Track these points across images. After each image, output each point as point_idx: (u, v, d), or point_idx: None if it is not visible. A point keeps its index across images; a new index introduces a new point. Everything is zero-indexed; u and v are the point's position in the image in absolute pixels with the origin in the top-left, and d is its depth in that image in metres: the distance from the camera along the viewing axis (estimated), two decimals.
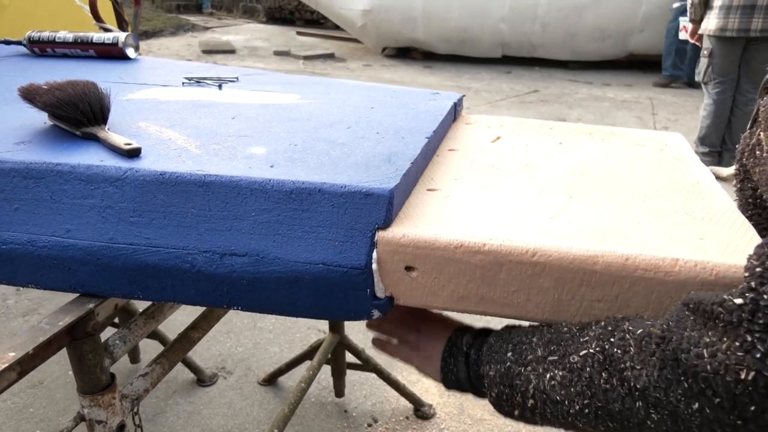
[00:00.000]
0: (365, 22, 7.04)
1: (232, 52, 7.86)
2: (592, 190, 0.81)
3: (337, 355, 1.90)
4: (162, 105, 1.10)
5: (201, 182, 0.76)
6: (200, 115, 1.04)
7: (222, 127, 0.96)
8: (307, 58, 7.42)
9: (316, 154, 0.84)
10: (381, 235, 0.70)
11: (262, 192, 0.74)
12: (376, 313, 0.73)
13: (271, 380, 2.07)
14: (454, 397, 1.99)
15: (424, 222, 0.72)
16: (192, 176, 0.76)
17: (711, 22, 3.39)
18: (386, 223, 0.71)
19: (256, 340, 2.28)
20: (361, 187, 0.72)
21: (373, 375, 1.96)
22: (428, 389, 2.03)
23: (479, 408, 1.94)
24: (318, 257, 0.71)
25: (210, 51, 7.80)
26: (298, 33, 9.68)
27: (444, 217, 0.74)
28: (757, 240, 0.66)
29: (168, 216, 0.76)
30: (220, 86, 1.28)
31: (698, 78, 3.56)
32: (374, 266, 0.70)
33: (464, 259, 0.67)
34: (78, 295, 0.81)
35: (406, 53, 7.58)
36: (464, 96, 1.24)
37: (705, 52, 3.46)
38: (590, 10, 6.37)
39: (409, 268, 0.71)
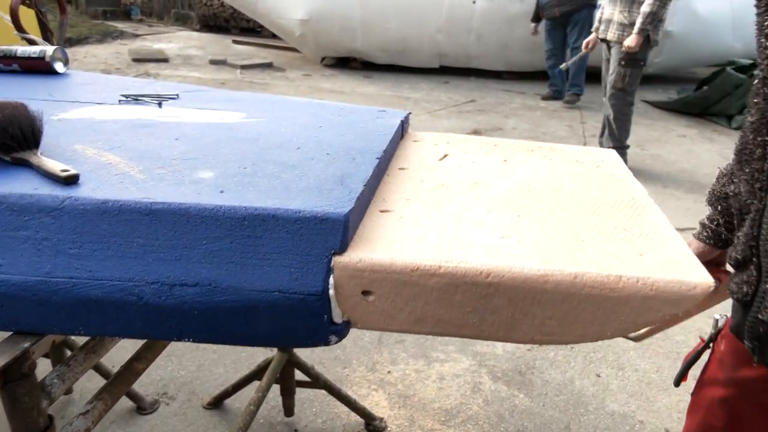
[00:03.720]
0: (304, 32, 7.00)
1: (164, 60, 7.60)
2: (538, 208, 0.84)
3: (286, 374, 1.87)
4: (99, 125, 1.05)
5: (147, 210, 0.73)
6: (141, 136, 1.00)
7: (166, 150, 0.93)
8: (244, 67, 7.29)
9: (267, 178, 0.82)
10: (337, 260, 0.70)
11: (213, 219, 0.72)
12: (333, 339, 0.73)
13: (216, 403, 2.00)
14: (404, 409, 2.00)
15: (379, 245, 0.72)
16: (137, 204, 0.73)
17: (659, 33, 3.65)
18: (342, 248, 0.71)
19: (199, 361, 2.21)
20: (315, 213, 0.71)
21: (323, 392, 1.94)
22: (378, 402, 2.04)
23: (429, 418, 1.96)
24: (273, 285, 0.70)
25: (141, 59, 7.51)
26: (234, 41, 9.50)
27: (399, 239, 0.74)
28: (689, 254, 0.71)
29: (111, 247, 0.72)
30: (160, 104, 1.23)
31: (623, 86, 3.77)
32: (331, 292, 0.70)
33: (420, 282, 0.68)
34: (11, 333, 0.76)
35: (346, 63, 7.61)
36: (410, 113, 1.26)
37: (642, 63, 3.69)
38: (521, 22, 6.64)
39: (366, 293, 0.71)
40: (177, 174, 0.83)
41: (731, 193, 0.76)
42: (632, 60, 3.63)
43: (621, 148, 3.98)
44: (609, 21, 3.67)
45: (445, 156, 1.08)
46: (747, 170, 0.70)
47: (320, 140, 1.01)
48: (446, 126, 5.09)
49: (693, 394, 0.91)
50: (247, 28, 10.69)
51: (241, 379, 1.95)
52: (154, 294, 0.71)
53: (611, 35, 3.67)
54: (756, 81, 0.68)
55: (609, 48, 3.81)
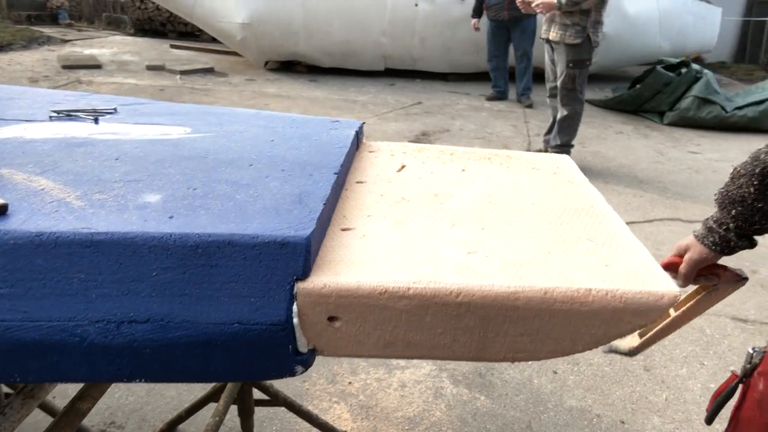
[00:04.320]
0: (245, 36, 6.84)
1: (97, 67, 7.24)
2: (502, 220, 0.83)
3: (243, 393, 1.79)
4: (28, 146, 0.96)
5: (88, 242, 0.66)
6: (76, 156, 0.92)
7: (105, 171, 0.86)
8: (184, 72, 7.04)
9: (220, 199, 0.78)
10: (300, 286, 0.66)
11: (163, 249, 0.67)
12: (299, 369, 0.69)
13: (170, 430, 1.90)
14: (367, 420, 1.97)
15: (344, 267, 0.69)
16: (76, 236, 0.67)
17: (600, 35, 3.76)
18: (305, 273, 0.67)
19: (149, 385, 2.09)
20: (275, 237, 0.67)
21: (283, 409, 1.88)
22: (341, 415, 1.99)
23: (393, 428, 1.94)
24: (233, 316, 0.65)
25: (71, 66, 7.12)
26: (172, 46, 9.17)
27: (363, 259, 0.71)
28: (652, 262, 0.72)
29: (48, 284, 0.65)
30: (96, 119, 1.15)
31: (573, 86, 3.88)
32: (295, 320, 0.66)
33: (389, 305, 0.66)
34: None
35: (290, 66, 7.49)
36: (364, 123, 1.23)
37: (588, 63, 3.80)
38: (463, 25, 6.74)
39: (332, 319, 0.67)
40: (119, 199, 0.76)
41: (748, 180, 0.70)
42: (579, 61, 3.75)
43: (568, 146, 4.10)
44: (551, 21, 3.77)
45: (403, 167, 1.05)
46: None
47: (273, 156, 0.96)
48: (395, 129, 5.09)
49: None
50: (186, 32, 10.36)
51: (195, 402, 1.86)
52: (99, 333, 0.65)
53: (553, 35, 3.77)
54: None
55: (552, 48, 3.91)
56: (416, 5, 6.70)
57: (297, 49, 7.01)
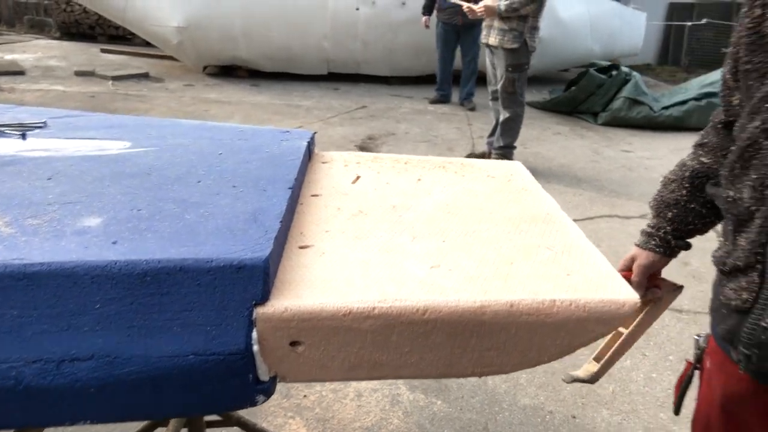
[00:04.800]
0: (181, 40, 6.61)
1: (20, 73, 6.79)
2: (462, 230, 0.83)
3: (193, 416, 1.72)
4: None
5: (20, 274, 0.60)
6: (3, 177, 0.85)
7: (37, 193, 0.79)
8: (116, 78, 6.72)
9: (168, 220, 0.73)
10: (260, 311, 0.63)
11: (107, 278, 0.61)
12: (260, 399, 0.65)
13: None
14: None
15: (304, 289, 0.66)
16: (7, 268, 0.60)
17: (537, 40, 3.87)
18: (264, 297, 0.64)
19: None
20: (230, 260, 0.63)
21: (236, 428, 1.82)
22: (297, 431, 1.95)
23: None
24: (187, 347, 0.61)
25: None
26: (103, 50, 8.74)
27: (324, 279, 0.69)
28: (611, 270, 0.73)
29: None
30: (23, 135, 1.06)
31: (514, 89, 3.98)
32: (255, 348, 0.63)
33: (354, 326, 0.63)
34: None
35: (231, 71, 7.30)
36: (315, 133, 1.20)
37: (526, 67, 3.91)
38: (404, 29, 6.80)
39: (294, 343, 0.64)
40: (55, 224, 0.70)
41: (726, 199, 0.72)
42: (517, 65, 3.85)
43: (511, 147, 4.21)
44: (490, 27, 3.86)
45: (358, 178, 1.03)
46: (755, 176, 0.66)
47: (223, 170, 0.92)
48: (341, 133, 5.06)
49: (693, 417, 0.89)
50: (117, 36, 9.90)
51: (142, 428, 1.76)
52: (37, 375, 0.59)
53: (492, 40, 3.86)
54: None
55: (492, 52, 4.01)
56: (357, 9, 6.70)
57: (237, 53, 6.85)
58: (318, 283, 0.68)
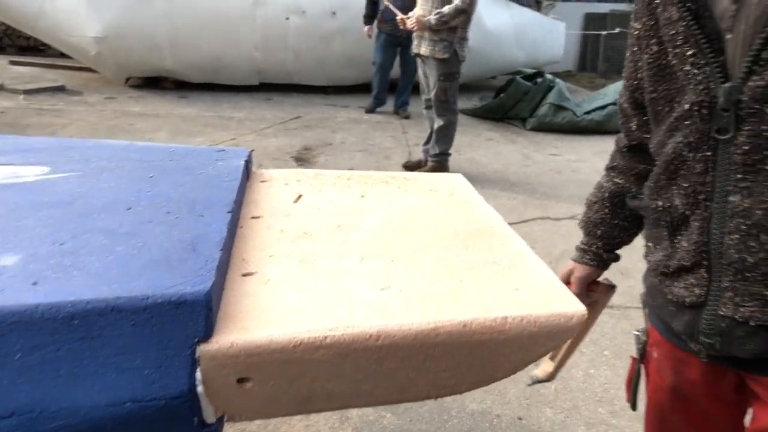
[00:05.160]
0: (101, 50, 6.27)
1: None
2: (409, 248, 0.82)
3: None
4: None
5: None
6: None
7: None
8: (28, 92, 6.28)
9: (96, 254, 0.67)
10: (203, 349, 0.59)
11: (28, 324, 0.56)
12: None
13: None
14: None
15: (250, 320, 0.63)
16: None
17: (466, 50, 3.96)
18: (207, 334, 0.60)
19: None
20: (169, 295, 0.59)
21: None
22: None
23: None
24: (123, 394, 0.56)
25: None
26: (12, 62, 8.15)
27: (271, 308, 0.66)
28: (557, 282, 0.75)
29: None
30: None
31: (446, 98, 4.06)
32: (200, 389, 0.59)
33: (305, 358, 0.61)
34: None
35: (156, 83, 7.01)
36: (252, 151, 1.16)
37: (457, 76, 4.00)
38: (336, 38, 6.80)
39: (242, 380, 0.61)
40: None
41: (656, 209, 0.80)
42: (449, 74, 3.95)
43: (446, 154, 4.29)
44: (421, 37, 3.93)
45: (300, 197, 1.01)
46: (685, 185, 0.74)
47: (155, 195, 0.86)
48: (275, 145, 4.97)
49: (646, 408, 0.95)
50: (28, 47, 9.27)
51: None
52: None
53: (424, 50, 3.93)
54: (686, 106, 0.71)
55: (423, 62, 4.08)
56: (287, 19, 6.63)
57: (162, 64, 6.59)
58: (264, 313, 0.65)
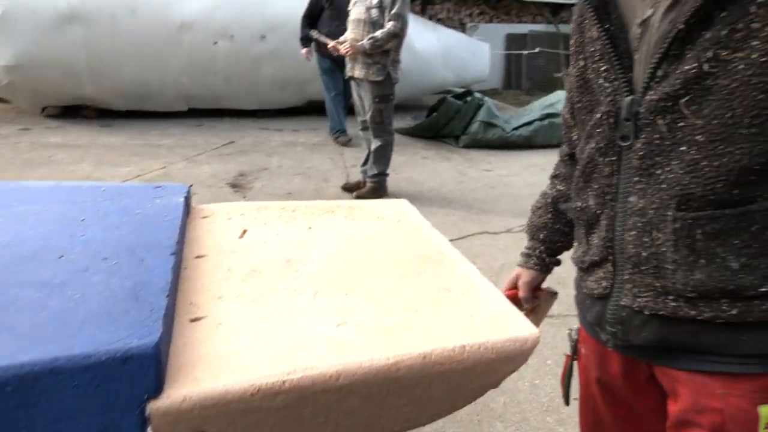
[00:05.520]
0: (12, 80, 5.89)
1: None
2: (362, 280, 0.81)
3: None
4: None
5: None
6: None
7: None
8: None
9: (28, 311, 0.62)
10: (154, 406, 0.55)
11: None
12: None
13: None
14: None
15: (203, 370, 0.60)
16: None
17: (399, 72, 4.03)
18: (158, 389, 0.56)
19: None
20: (113, 351, 0.55)
21: None
22: None
23: None
24: None
25: None
26: None
27: (224, 355, 0.63)
28: (509, 306, 0.76)
29: None
30: None
31: (382, 119, 4.11)
32: None
33: (264, 405, 0.59)
34: None
35: (76, 111, 6.66)
36: (192, 186, 1.12)
37: (391, 97, 4.06)
38: (267, 62, 6.74)
39: None
40: None
41: (577, 209, 0.86)
42: (383, 96, 4.01)
43: (384, 175, 4.33)
44: (354, 60, 3.98)
45: (245, 232, 0.98)
46: (596, 186, 0.80)
47: (89, 240, 0.81)
48: (209, 172, 4.84)
49: (579, 402, 0.99)
50: None
51: None
52: None
53: (358, 73, 3.98)
54: (599, 115, 0.79)
55: (358, 85, 4.12)
56: (215, 43, 6.52)
57: (82, 91, 6.28)
58: (217, 360, 0.62)
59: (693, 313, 0.72)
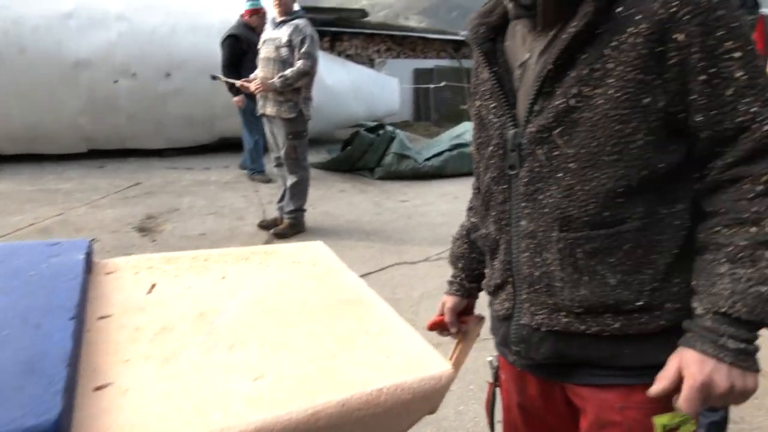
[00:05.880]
0: None
1: None
2: (279, 328, 0.81)
3: None
4: None
5: None
6: None
7: None
8: None
9: None
10: None
11: None
12: None
13: None
14: None
15: None
16: None
17: (311, 108, 4.04)
18: None
19: None
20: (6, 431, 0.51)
21: None
22: None
23: None
24: None
25: None
26: None
27: (133, 425, 0.60)
28: (424, 344, 0.79)
29: None
30: None
31: (296, 156, 4.10)
32: None
33: None
34: None
35: None
36: (93, 240, 1.06)
37: (305, 134, 4.06)
38: (173, 99, 6.55)
39: None
40: None
41: (481, 236, 0.91)
42: (296, 133, 4.02)
43: (301, 210, 4.31)
44: (265, 98, 3.97)
45: (153, 286, 0.94)
46: (494, 213, 0.87)
47: None
48: (113, 216, 4.57)
49: (502, 426, 1.02)
50: None
51: None
52: None
53: (270, 110, 3.97)
54: (491, 148, 0.86)
55: (270, 122, 4.11)
56: (116, 82, 6.26)
57: None
58: (126, 431, 0.59)
59: (582, 327, 0.78)
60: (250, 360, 0.72)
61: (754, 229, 0.68)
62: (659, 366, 0.74)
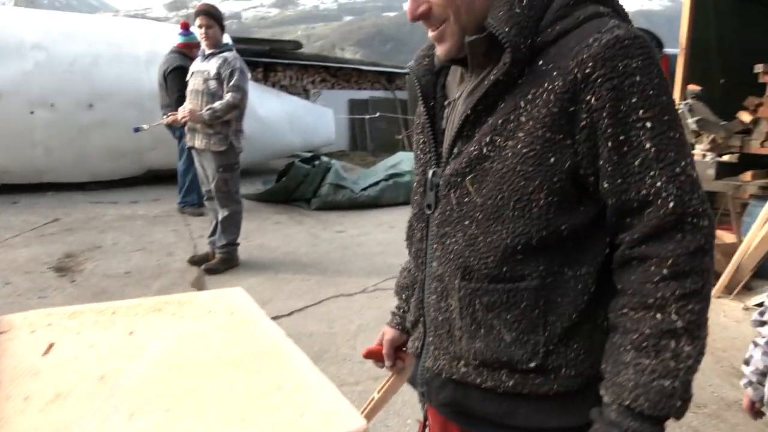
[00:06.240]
0: None
1: None
2: (188, 389, 0.76)
3: None
4: None
5: None
6: None
7: None
8: None
9: None
10: None
11: None
12: None
13: None
14: None
15: None
16: None
17: (242, 141, 3.95)
18: None
19: None
20: None
21: None
22: None
23: None
24: None
25: None
26: None
27: None
28: (339, 398, 0.76)
29: None
30: None
31: (228, 189, 3.99)
32: None
33: None
34: None
35: None
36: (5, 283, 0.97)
37: (236, 166, 3.97)
38: (96, 131, 6.26)
39: None
40: None
41: (409, 270, 0.91)
42: (227, 165, 3.93)
43: (234, 244, 4.18)
44: (194, 130, 3.87)
45: (51, 346, 0.87)
46: (414, 249, 0.86)
47: None
48: (26, 256, 4.25)
49: None
50: None
51: None
52: None
53: (198, 143, 3.87)
54: (415, 184, 0.86)
55: (199, 155, 4.00)
56: (32, 113, 5.93)
57: None
58: None
59: (478, 380, 0.77)
60: (151, 428, 0.67)
61: (659, 316, 0.66)
62: (553, 430, 0.73)
